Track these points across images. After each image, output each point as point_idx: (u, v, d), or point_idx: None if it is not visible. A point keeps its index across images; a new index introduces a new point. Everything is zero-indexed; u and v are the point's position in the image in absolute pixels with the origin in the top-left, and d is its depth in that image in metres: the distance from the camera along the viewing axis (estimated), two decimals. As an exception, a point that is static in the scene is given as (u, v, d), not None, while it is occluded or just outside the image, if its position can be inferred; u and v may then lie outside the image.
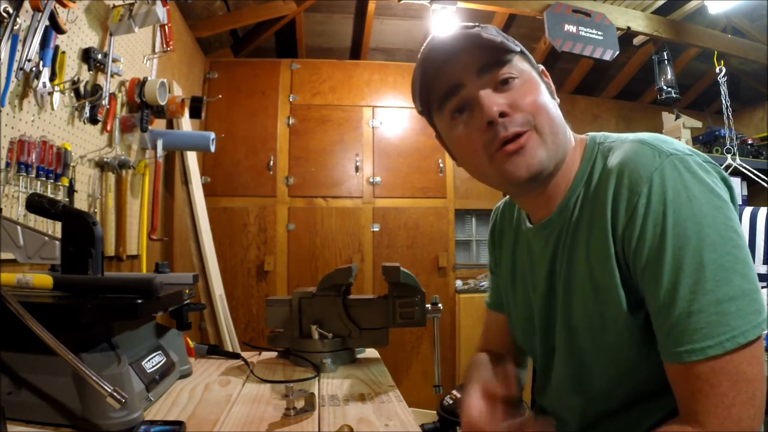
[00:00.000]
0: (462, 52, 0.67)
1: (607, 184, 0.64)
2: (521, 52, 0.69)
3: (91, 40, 1.46)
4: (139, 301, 0.70)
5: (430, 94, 0.71)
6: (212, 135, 1.98)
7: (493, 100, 0.64)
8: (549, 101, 0.69)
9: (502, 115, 0.64)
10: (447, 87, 0.68)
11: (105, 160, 1.55)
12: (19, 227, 0.87)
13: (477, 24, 0.70)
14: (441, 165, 3.09)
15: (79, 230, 0.79)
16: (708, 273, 0.55)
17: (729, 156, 2.72)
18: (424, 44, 0.70)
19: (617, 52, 2.63)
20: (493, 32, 0.69)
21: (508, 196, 0.90)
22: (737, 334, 0.54)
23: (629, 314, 0.64)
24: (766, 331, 0.56)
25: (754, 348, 0.55)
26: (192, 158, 2.35)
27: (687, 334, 0.56)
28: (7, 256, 0.89)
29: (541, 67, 0.74)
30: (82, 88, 1.40)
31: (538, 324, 0.80)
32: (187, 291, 0.96)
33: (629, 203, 0.61)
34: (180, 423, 0.68)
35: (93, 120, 1.47)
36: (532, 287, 0.81)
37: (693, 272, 0.56)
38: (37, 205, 0.83)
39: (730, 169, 2.70)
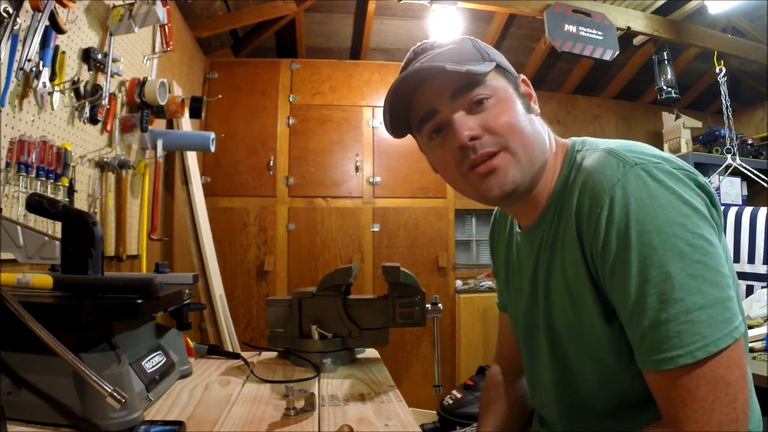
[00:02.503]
0: (434, 78, 0.69)
1: (573, 195, 0.65)
2: (497, 66, 0.69)
3: (91, 40, 1.46)
4: (139, 301, 0.70)
5: (410, 116, 0.73)
6: (212, 135, 1.98)
7: (464, 124, 0.66)
8: (523, 118, 0.68)
9: (474, 138, 0.66)
10: (423, 112, 0.70)
11: (105, 160, 1.55)
12: (19, 227, 0.87)
13: (452, 40, 0.72)
14: (441, 165, 3.09)
15: (79, 230, 0.79)
16: (675, 282, 0.55)
17: (729, 156, 2.72)
18: (400, 71, 0.73)
19: (617, 52, 2.63)
20: (468, 48, 0.70)
21: None
22: (708, 342, 0.53)
23: (605, 323, 0.64)
24: (741, 336, 0.55)
25: (731, 351, 0.54)
26: (192, 158, 2.35)
27: (657, 343, 0.56)
28: (7, 256, 0.89)
29: (522, 77, 0.74)
30: (82, 88, 1.40)
31: (522, 329, 0.82)
32: (187, 291, 0.96)
33: (591, 215, 0.61)
34: (180, 423, 0.68)
35: (93, 120, 1.47)
36: (518, 292, 0.82)
37: (659, 283, 0.55)
38: (37, 205, 0.82)
39: (731, 169, 2.70)
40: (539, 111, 0.73)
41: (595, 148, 0.68)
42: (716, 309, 0.54)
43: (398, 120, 0.74)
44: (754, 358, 1.47)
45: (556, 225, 0.69)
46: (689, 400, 0.54)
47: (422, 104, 0.70)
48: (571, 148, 0.72)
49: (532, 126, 0.69)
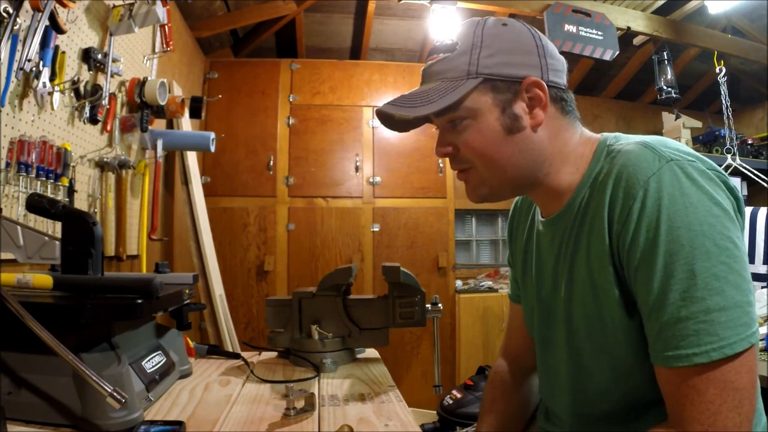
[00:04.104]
0: None
1: (606, 185, 0.65)
2: (485, 80, 0.67)
3: (91, 40, 1.46)
4: (139, 301, 0.69)
5: None
6: (212, 135, 1.98)
7: (439, 143, 0.74)
8: (496, 142, 0.69)
9: (446, 155, 0.74)
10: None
11: (105, 160, 1.55)
12: (19, 227, 0.87)
13: (452, 46, 0.70)
14: (441, 165, 3.09)
15: (79, 230, 0.79)
16: (699, 281, 0.55)
17: (729, 156, 2.72)
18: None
19: (617, 52, 2.63)
20: (460, 61, 0.68)
21: None
22: (725, 345, 0.54)
23: (626, 316, 0.64)
24: (756, 342, 0.56)
25: (744, 357, 0.55)
26: (192, 158, 2.35)
27: (674, 339, 0.56)
28: (7, 256, 0.89)
29: (530, 79, 0.68)
30: (82, 88, 1.40)
31: (538, 318, 0.82)
32: (187, 291, 0.96)
33: (624, 206, 0.61)
34: (180, 423, 0.68)
35: (93, 120, 1.47)
36: (537, 282, 0.82)
37: (683, 279, 0.56)
38: (37, 205, 0.83)
39: (730, 169, 2.70)
40: (542, 118, 0.69)
41: (629, 141, 0.68)
42: (736, 312, 0.55)
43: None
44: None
45: (582, 216, 0.69)
46: (697, 401, 0.55)
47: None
48: (602, 142, 0.72)
49: (512, 146, 0.69)
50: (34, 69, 1.18)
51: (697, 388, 0.55)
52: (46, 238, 0.87)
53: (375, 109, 0.76)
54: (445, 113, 0.70)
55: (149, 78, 1.76)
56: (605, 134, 0.74)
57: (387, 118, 0.76)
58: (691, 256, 0.56)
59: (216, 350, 1.14)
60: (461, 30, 0.71)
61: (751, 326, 0.55)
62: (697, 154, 0.63)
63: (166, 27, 1.88)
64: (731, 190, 0.62)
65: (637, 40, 3.05)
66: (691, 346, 0.55)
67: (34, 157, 1.19)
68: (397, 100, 0.72)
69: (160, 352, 0.87)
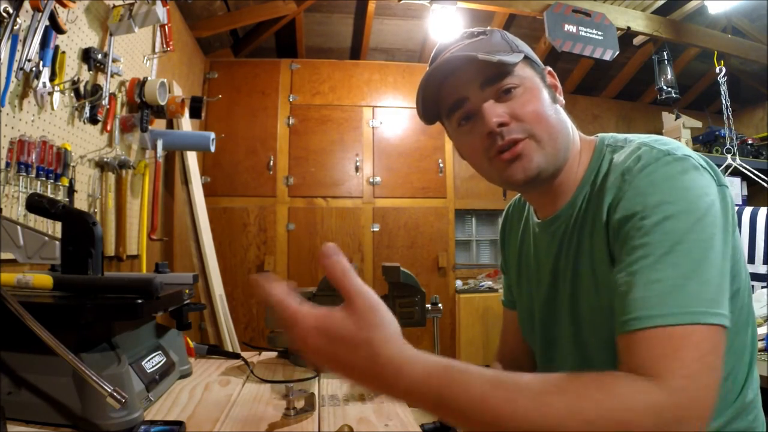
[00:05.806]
0: (464, 68, 0.70)
1: (607, 184, 0.67)
2: (525, 57, 0.71)
3: (91, 40, 1.46)
4: (139, 301, 0.69)
5: (439, 103, 0.76)
6: (212, 135, 1.98)
7: (493, 112, 0.68)
8: (549, 107, 0.71)
9: (502, 125, 0.68)
10: (453, 100, 0.72)
11: (105, 160, 1.55)
12: (19, 227, 0.87)
13: (482, 31, 0.73)
14: (441, 165, 3.09)
15: (79, 230, 0.79)
16: (681, 249, 0.55)
17: (729, 156, 2.72)
18: (429, 62, 0.75)
19: (617, 52, 2.63)
20: (497, 39, 0.72)
21: (519, 195, 0.91)
22: (698, 312, 0.52)
23: None
24: (727, 326, 0.53)
25: (715, 333, 0.52)
26: (192, 158, 2.35)
27: (647, 300, 0.54)
28: (7, 256, 0.89)
29: (548, 68, 0.76)
30: (82, 88, 1.40)
31: (539, 319, 0.82)
32: (187, 291, 0.96)
33: (620, 191, 0.64)
34: (180, 423, 0.68)
35: (93, 120, 1.47)
36: (535, 282, 0.82)
37: (667, 249, 0.55)
38: (37, 205, 0.83)
39: (730, 169, 2.70)
40: (564, 102, 0.75)
41: (629, 142, 0.70)
42: (711, 289, 0.54)
43: (428, 106, 0.76)
44: (754, 358, 1.47)
45: (584, 214, 0.71)
46: (672, 358, 0.51)
47: (453, 92, 0.72)
48: (600, 142, 0.74)
49: (558, 115, 0.72)
50: (34, 69, 1.18)
51: (673, 346, 0.51)
52: (46, 238, 0.87)
53: (447, 53, 0.72)
54: (508, 74, 0.69)
55: (149, 78, 1.76)
56: (601, 135, 0.76)
57: (454, 68, 0.70)
58: (684, 231, 0.56)
59: (216, 350, 1.14)
60: (480, 30, 0.74)
61: (721, 306, 0.53)
62: (692, 151, 0.65)
63: (166, 27, 1.88)
64: (723, 185, 0.64)
65: (637, 40, 3.05)
66: (661, 306, 0.53)
67: (34, 157, 1.19)
68: (464, 47, 0.71)
69: (160, 352, 0.87)
